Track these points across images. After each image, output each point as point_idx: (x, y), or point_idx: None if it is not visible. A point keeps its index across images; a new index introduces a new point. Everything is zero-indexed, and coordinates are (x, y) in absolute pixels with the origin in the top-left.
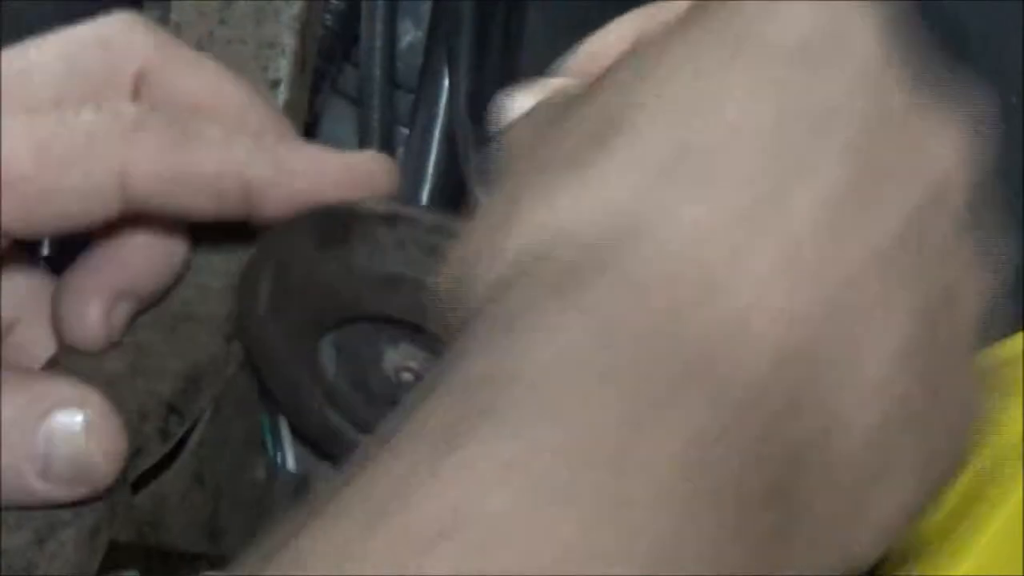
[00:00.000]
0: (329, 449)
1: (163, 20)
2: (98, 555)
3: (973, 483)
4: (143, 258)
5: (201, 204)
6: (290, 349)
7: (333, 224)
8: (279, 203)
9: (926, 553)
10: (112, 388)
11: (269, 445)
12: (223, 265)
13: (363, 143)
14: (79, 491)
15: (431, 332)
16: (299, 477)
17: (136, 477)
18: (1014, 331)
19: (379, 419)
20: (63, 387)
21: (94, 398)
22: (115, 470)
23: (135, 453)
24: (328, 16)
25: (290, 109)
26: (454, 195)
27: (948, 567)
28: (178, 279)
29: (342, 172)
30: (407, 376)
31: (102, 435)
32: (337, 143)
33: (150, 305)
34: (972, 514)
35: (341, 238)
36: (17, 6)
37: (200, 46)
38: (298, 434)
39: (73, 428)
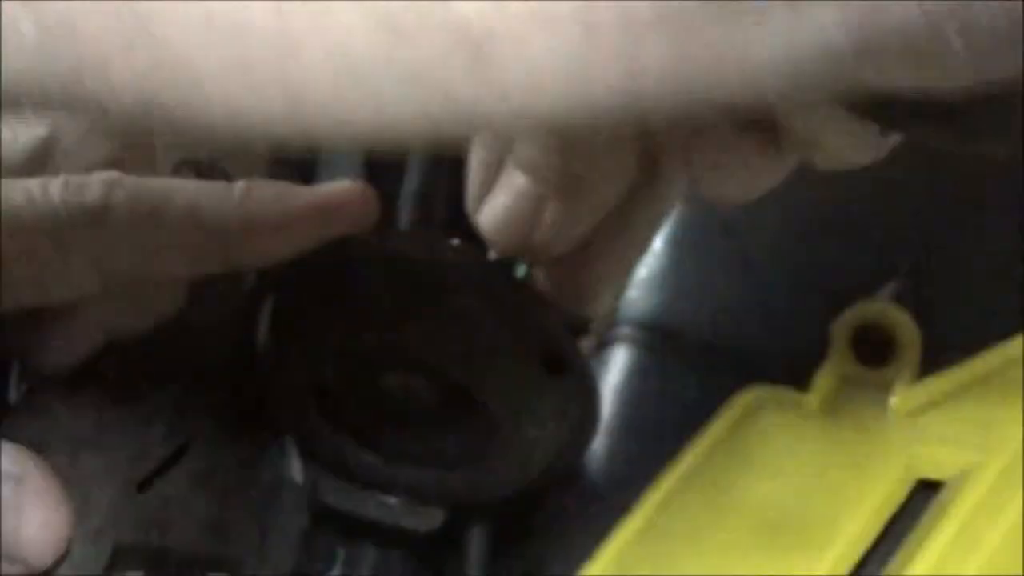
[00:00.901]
0: (331, 463)
1: None
2: (103, 557)
3: (978, 485)
4: (127, 301)
5: (181, 270)
6: (291, 377)
7: (327, 262)
8: (257, 256)
9: (930, 555)
10: (118, 388)
11: (273, 455)
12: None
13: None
14: (12, 569)
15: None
16: (305, 487)
17: (142, 478)
18: (1015, 332)
19: (381, 437)
20: (1, 459)
21: (34, 471)
22: (54, 548)
23: (141, 454)
24: None
25: None
26: (459, 194)
27: (953, 570)
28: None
29: (315, 214)
30: (407, 396)
31: (39, 511)
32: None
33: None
34: (976, 517)
35: (335, 276)
36: None
37: None
38: (302, 448)
39: (8, 503)
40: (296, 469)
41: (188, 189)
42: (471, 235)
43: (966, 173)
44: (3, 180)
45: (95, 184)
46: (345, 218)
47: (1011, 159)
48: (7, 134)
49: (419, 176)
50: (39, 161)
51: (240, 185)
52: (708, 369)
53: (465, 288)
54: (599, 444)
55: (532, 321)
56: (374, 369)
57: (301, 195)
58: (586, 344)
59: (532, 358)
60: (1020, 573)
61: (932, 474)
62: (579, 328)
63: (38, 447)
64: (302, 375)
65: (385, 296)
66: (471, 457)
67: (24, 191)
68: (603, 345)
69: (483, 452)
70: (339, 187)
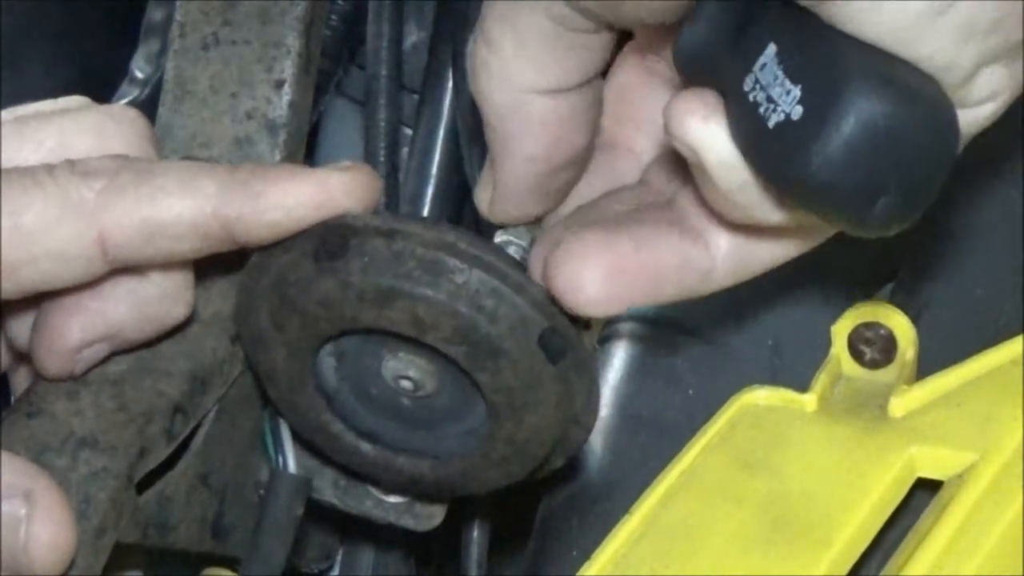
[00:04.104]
0: (330, 453)
1: (167, 20)
2: (103, 556)
3: (977, 485)
4: (130, 307)
5: (186, 248)
6: (290, 360)
7: (330, 238)
8: (261, 232)
9: (929, 554)
10: (118, 389)
11: (270, 447)
12: (226, 264)
13: (368, 144)
14: None
15: (428, 343)
16: (300, 478)
17: (141, 478)
18: (1014, 332)
19: (379, 425)
20: (9, 473)
21: (42, 486)
22: (59, 563)
23: (140, 454)
24: (333, 17)
25: (295, 110)
26: (458, 195)
27: (952, 569)
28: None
29: (318, 191)
30: (407, 384)
31: (47, 527)
32: (342, 144)
33: (142, 346)
34: (975, 516)
35: (338, 252)
36: (23, 6)
37: (205, 46)
38: (299, 437)
39: (15, 519)
40: (293, 465)
41: (192, 169)
42: None
43: (965, 173)
44: (9, 167)
45: (100, 164)
46: (348, 196)
47: (1014, 158)
48: (14, 137)
49: (418, 178)
50: None
51: (244, 165)
52: (707, 368)
53: (465, 265)
54: (598, 442)
55: (532, 300)
56: (375, 353)
57: (304, 173)
58: (588, 339)
59: (532, 341)
60: (1019, 572)
61: (931, 473)
62: (579, 319)
63: (38, 447)
64: (300, 359)
65: (384, 273)
66: (470, 446)
67: (30, 173)
68: (603, 341)
69: (481, 441)
70: (342, 166)
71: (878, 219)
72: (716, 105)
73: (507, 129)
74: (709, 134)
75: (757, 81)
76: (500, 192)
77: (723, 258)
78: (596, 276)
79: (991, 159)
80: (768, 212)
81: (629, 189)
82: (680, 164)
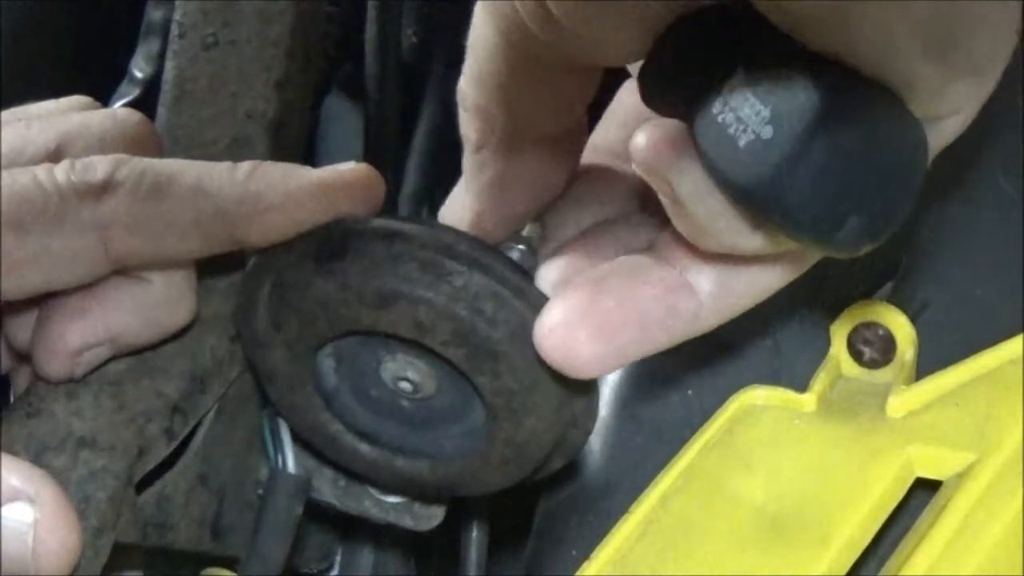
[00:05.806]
0: (329, 454)
1: (167, 21)
2: (103, 556)
3: (976, 485)
4: (131, 312)
5: (187, 248)
6: (290, 361)
7: (330, 240)
8: (263, 232)
9: (928, 554)
10: (117, 389)
11: (269, 447)
12: (226, 265)
13: (366, 143)
14: None
15: (427, 345)
16: (299, 478)
17: (140, 478)
18: (1014, 332)
19: (378, 426)
20: (14, 477)
21: (48, 490)
22: (66, 568)
23: (139, 454)
24: (332, 17)
25: (294, 110)
26: None
27: (950, 569)
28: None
29: (321, 192)
30: (406, 385)
31: (54, 532)
32: (340, 143)
33: (143, 350)
34: (974, 517)
35: (337, 254)
36: (24, 7)
37: (204, 46)
38: (298, 437)
39: (23, 525)
40: (293, 464)
41: (194, 168)
42: None
43: (965, 173)
44: (10, 167)
45: (100, 163)
46: (350, 197)
47: (1013, 159)
48: (17, 140)
49: (417, 177)
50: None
51: (245, 164)
52: (707, 368)
53: (464, 268)
54: (597, 442)
55: (532, 303)
56: (375, 354)
57: (306, 174)
58: None
59: (531, 344)
60: (1018, 572)
61: (930, 473)
62: None
63: (37, 447)
64: (300, 360)
65: (384, 275)
66: (469, 447)
67: (30, 173)
68: None
69: (480, 442)
70: (345, 167)
71: (847, 239)
72: (682, 133)
73: (491, 174)
74: (679, 162)
75: (727, 103)
76: (477, 220)
77: (708, 298)
78: (584, 339)
79: (991, 159)
80: (744, 238)
81: (624, 223)
82: (659, 205)
